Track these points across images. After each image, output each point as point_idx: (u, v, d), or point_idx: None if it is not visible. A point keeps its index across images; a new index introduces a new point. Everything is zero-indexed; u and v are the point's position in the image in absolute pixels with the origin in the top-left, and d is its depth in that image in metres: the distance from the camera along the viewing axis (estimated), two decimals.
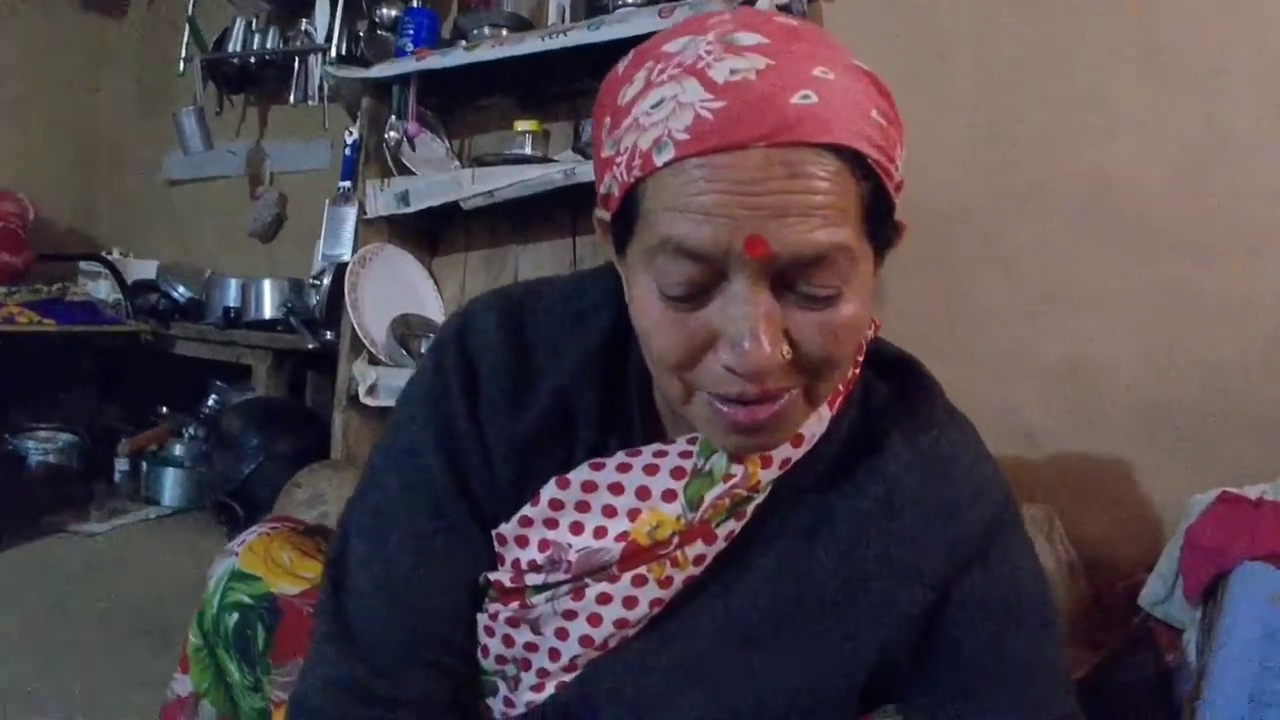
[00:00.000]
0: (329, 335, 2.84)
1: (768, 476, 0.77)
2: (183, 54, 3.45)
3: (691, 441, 0.78)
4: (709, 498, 0.76)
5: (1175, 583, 1.65)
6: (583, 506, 0.80)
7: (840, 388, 0.78)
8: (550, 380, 0.81)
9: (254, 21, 3.36)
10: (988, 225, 2.28)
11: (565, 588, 0.80)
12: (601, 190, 0.70)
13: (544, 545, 0.80)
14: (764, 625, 0.80)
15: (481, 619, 0.84)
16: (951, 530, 0.79)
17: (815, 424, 0.77)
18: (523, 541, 0.81)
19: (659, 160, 0.62)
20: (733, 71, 0.61)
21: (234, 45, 3.38)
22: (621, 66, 0.69)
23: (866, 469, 0.81)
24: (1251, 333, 2.03)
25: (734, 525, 0.78)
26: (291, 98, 3.22)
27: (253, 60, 3.37)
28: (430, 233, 2.85)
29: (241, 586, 0.98)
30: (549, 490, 0.80)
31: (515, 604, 0.82)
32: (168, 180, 3.90)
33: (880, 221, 0.67)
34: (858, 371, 0.81)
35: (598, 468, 0.79)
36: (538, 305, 0.85)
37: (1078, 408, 2.21)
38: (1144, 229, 2.12)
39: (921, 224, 2.38)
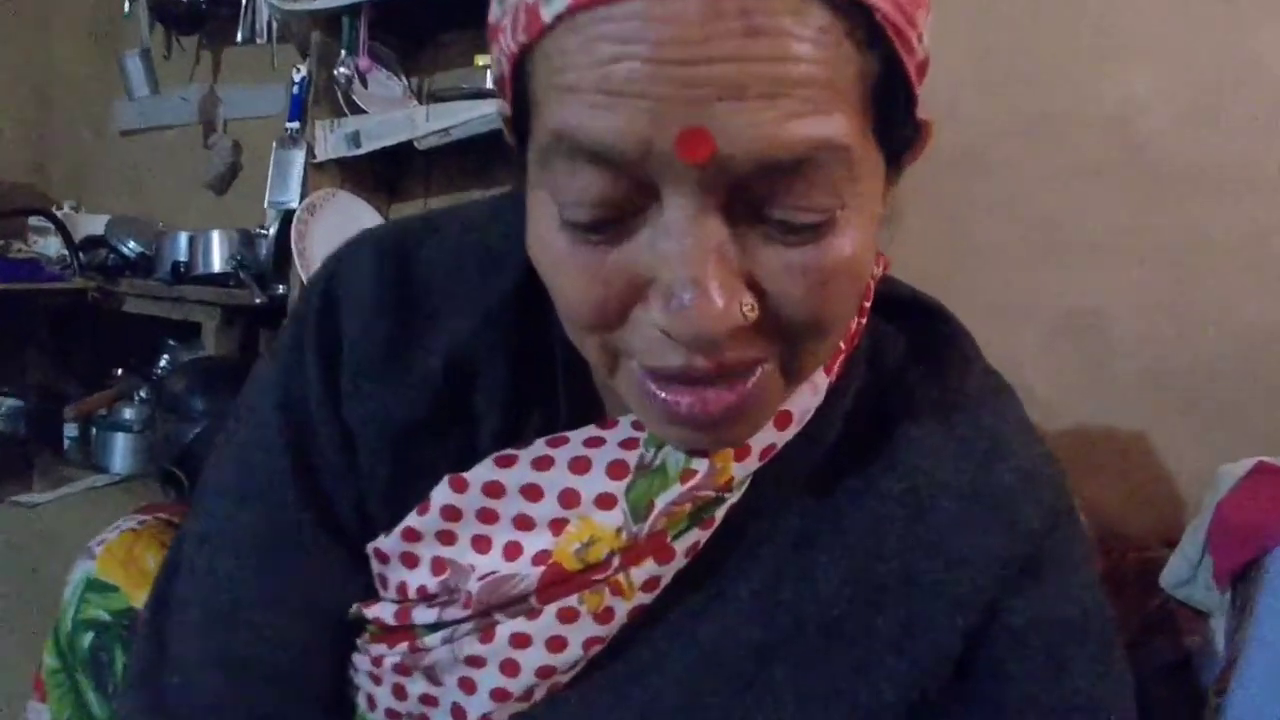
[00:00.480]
0: (280, 289, 2.65)
1: (743, 471, 0.57)
2: None
3: (639, 425, 0.58)
4: (661, 503, 0.56)
5: (1200, 563, 1.52)
6: (487, 516, 0.60)
7: (840, 345, 0.58)
8: (442, 340, 0.61)
9: None
10: (987, 163, 2.09)
11: (467, 626, 0.60)
12: (493, 75, 0.50)
13: (438, 566, 0.61)
14: (749, 664, 0.59)
15: (362, 662, 0.64)
16: (997, 535, 0.59)
17: (807, 396, 0.58)
18: (410, 560, 0.62)
19: (547, 13, 0.42)
20: None
21: None
22: None
23: (882, 455, 0.61)
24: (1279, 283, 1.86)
25: (698, 536, 0.58)
26: (239, 35, 3.01)
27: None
28: (387, 178, 2.67)
29: (98, 599, 0.80)
30: (441, 494, 0.60)
31: (403, 645, 0.62)
32: (120, 130, 3.71)
33: (894, 112, 0.47)
34: (864, 321, 0.61)
35: (506, 463, 0.59)
36: (432, 240, 0.64)
37: (1086, 364, 2.03)
38: (1162, 166, 1.93)
39: (916, 161, 2.18)
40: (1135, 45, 1.97)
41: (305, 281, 2.28)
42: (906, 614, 0.58)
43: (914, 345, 0.66)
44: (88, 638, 0.80)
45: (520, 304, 0.61)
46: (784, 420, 0.57)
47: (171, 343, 3.18)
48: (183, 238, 3.01)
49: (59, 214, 3.36)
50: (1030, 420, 0.66)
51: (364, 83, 2.40)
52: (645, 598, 0.59)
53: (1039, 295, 2.07)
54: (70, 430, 3.05)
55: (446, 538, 0.61)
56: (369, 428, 0.62)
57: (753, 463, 0.57)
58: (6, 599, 1.97)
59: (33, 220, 3.44)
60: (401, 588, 0.63)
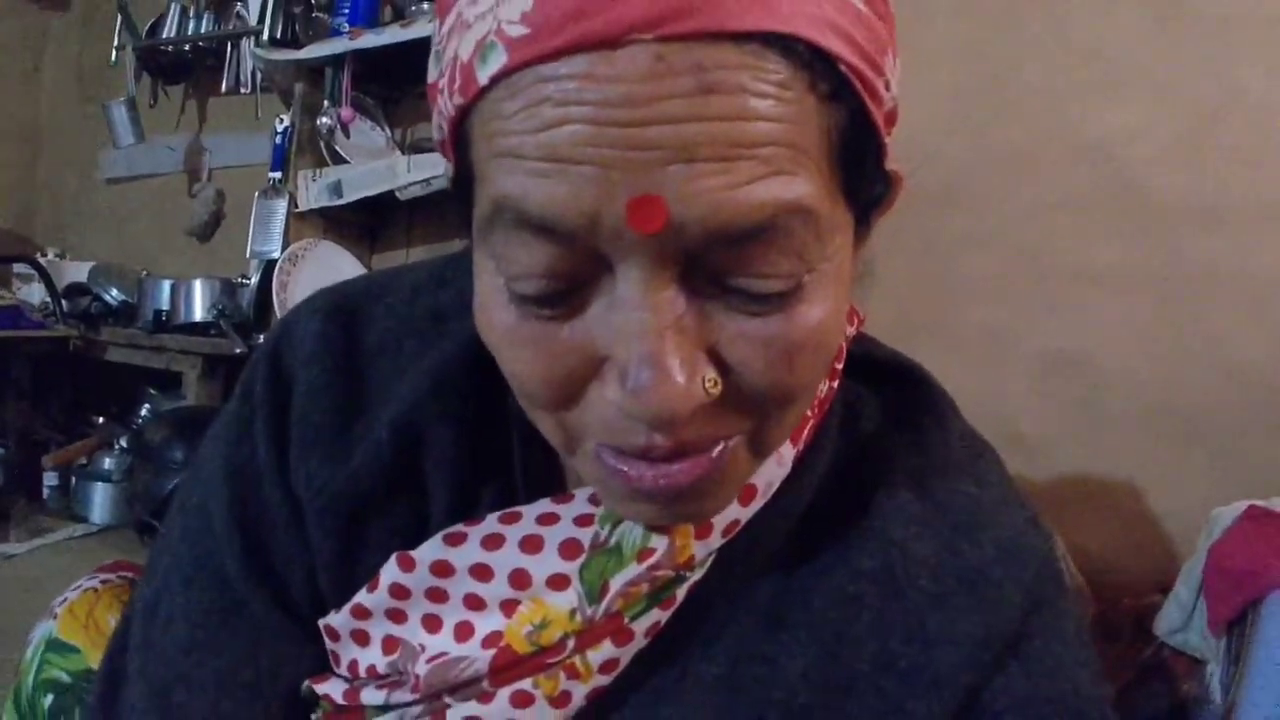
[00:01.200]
0: (260, 338, 2.65)
1: (705, 550, 0.54)
2: (115, 42, 3.27)
3: (595, 500, 0.55)
4: (616, 584, 0.53)
5: (1195, 609, 1.51)
6: (436, 595, 0.56)
7: (808, 412, 0.55)
8: (389, 408, 0.58)
9: (190, 8, 3.17)
10: (973, 196, 2.09)
11: (417, 709, 0.57)
12: (435, 135, 0.47)
13: (390, 644, 0.58)
14: None
15: None
16: (979, 614, 0.55)
17: (773, 468, 0.54)
18: (360, 638, 0.59)
19: (483, 74, 0.39)
20: None
21: (168, 32, 3.19)
22: None
23: (855, 528, 0.57)
24: (1270, 319, 1.85)
25: (659, 616, 0.54)
26: (224, 85, 3.03)
27: (188, 49, 3.18)
28: (369, 226, 2.69)
29: (58, 660, 0.79)
30: (390, 573, 0.56)
31: None
32: (106, 179, 3.73)
33: (863, 167, 0.44)
34: (835, 384, 0.58)
35: (456, 541, 0.55)
36: (380, 304, 0.62)
37: (1075, 403, 2.02)
38: (1150, 199, 1.94)
39: (903, 195, 2.20)
40: (1118, 79, 1.98)
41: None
42: (880, 702, 0.55)
43: (890, 410, 0.62)
44: (48, 699, 0.79)
45: (471, 370, 0.58)
46: (748, 495, 0.54)
47: (152, 391, 3.16)
48: (165, 286, 3.02)
49: (43, 261, 3.36)
50: (1012, 483, 0.62)
51: (346, 133, 2.42)
52: (604, 679, 0.56)
53: (1025, 331, 2.06)
54: (50, 479, 3.01)
55: (397, 616, 0.58)
56: (317, 501, 0.59)
57: (715, 540, 0.54)
58: None
59: (16, 268, 3.44)
60: (353, 665, 0.60)
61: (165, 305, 2.96)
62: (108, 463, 2.95)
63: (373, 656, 0.58)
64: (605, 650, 0.54)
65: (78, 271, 3.41)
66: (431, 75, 0.44)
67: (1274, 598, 1.35)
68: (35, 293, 3.35)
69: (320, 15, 2.65)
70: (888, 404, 0.61)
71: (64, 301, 3.14)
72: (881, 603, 0.55)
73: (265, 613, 0.61)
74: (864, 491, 0.57)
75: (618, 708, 0.57)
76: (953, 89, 2.11)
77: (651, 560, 0.53)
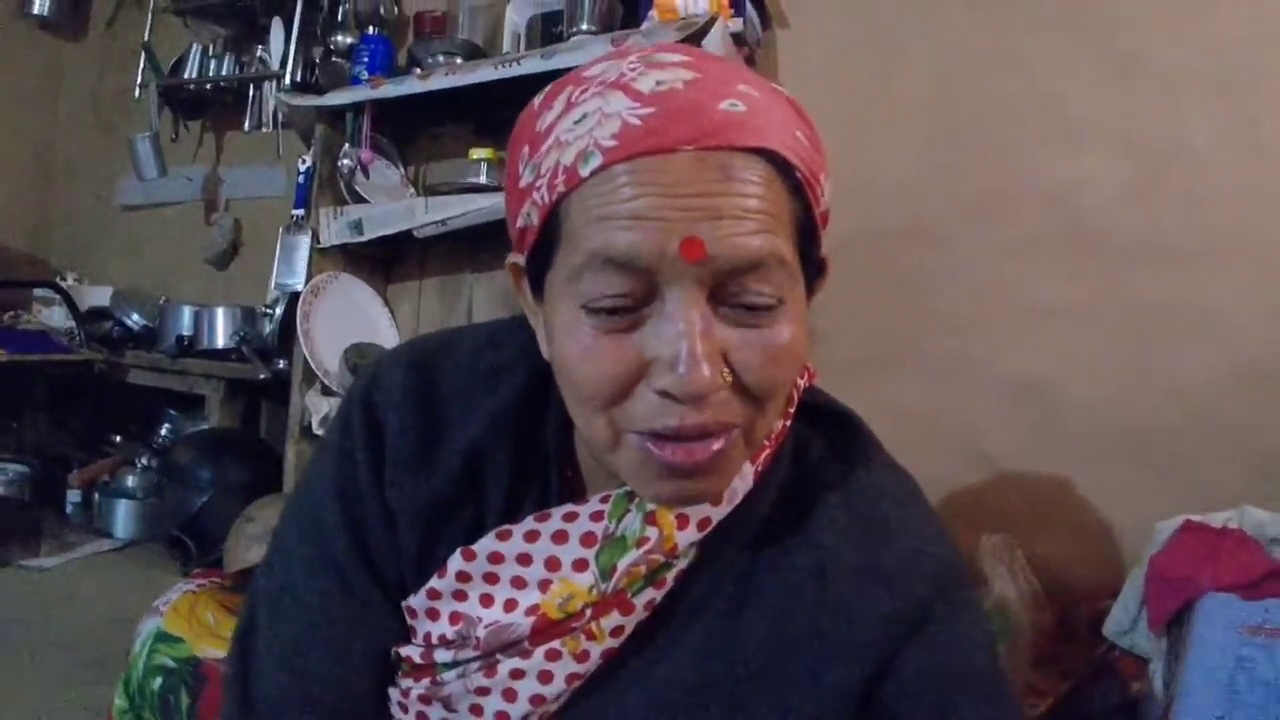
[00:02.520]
0: (282, 365, 2.80)
1: (685, 539, 0.71)
2: (139, 80, 3.41)
3: (604, 500, 0.74)
4: (622, 565, 0.72)
5: (1139, 613, 1.65)
6: (490, 578, 0.75)
7: (766, 442, 0.74)
8: (460, 440, 0.77)
9: (210, 48, 3.33)
10: (944, 235, 2.26)
11: (476, 664, 0.76)
12: (518, 225, 0.66)
13: (455, 618, 0.76)
14: (691, 700, 0.74)
15: (394, 694, 0.80)
16: (889, 602, 0.72)
17: (737, 481, 0.72)
18: (433, 615, 0.77)
19: (585, 170, 0.59)
20: (659, 83, 0.60)
21: (190, 71, 3.35)
22: (538, 99, 0.66)
23: (797, 535, 0.75)
24: (1217, 347, 2.02)
25: (654, 594, 0.73)
26: (246, 124, 3.19)
27: (208, 86, 3.34)
28: (385, 260, 2.83)
29: (166, 649, 0.95)
30: (455, 562, 0.75)
31: (426, 680, 0.78)
32: (123, 206, 3.85)
33: (810, 244, 0.65)
34: (787, 424, 0.77)
35: (504, 537, 0.75)
36: (448, 360, 0.81)
37: (1037, 427, 2.19)
38: (1105, 239, 2.11)
39: (876, 234, 2.38)
40: (1077, 129, 2.15)
41: (306, 357, 2.43)
42: (814, 665, 0.72)
43: (829, 445, 0.80)
44: (157, 682, 0.95)
45: (519, 413, 0.77)
46: (718, 500, 0.71)
47: (172, 412, 3.30)
48: (187, 312, 3.16)
49: (64, 285, 3.49)
50: (926, 502, 0.80)
51: (366, 173, 2.57)
52: (614, 643, 0.73)
53: (991, 360, 2.22)
54: (73, 496, 3.13)
55: (460, 596, 0.76)
56: (406, 508, 0.77)
57: (692, 533, 0.71)
58: (20, 659, 2.06)
59: (37, 291, 3.56)
60: (426, 637, 0.77)
61: (188, 330, 3.11)
62: (130, 480, 3.08)
63: (442, 628, 0.77)
64: (614, 619, 0.73)
65: (95, 296, 3.54)
66: (525, 180, 0.64)
67: (1206, 601, 1.49)
68: (55, 316, 3.47)
69: (339, 61, 2.80)
70: (828, 442, 0.80)
71: (85, 325, 3.27)
72: (816, 591, 0.74)
73: (368, 595, 0.79)
74: (805, 507, 0.77)
75: (623, 667, 0.76)
76: (925, 137, 2.28)
77: (647, 546, 0.71)
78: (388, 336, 2.72)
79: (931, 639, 0.73)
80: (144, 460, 3.14)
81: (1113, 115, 2.10)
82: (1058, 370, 2.16)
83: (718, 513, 0.73)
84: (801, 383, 0.79)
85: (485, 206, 2.33)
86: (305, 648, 0.78)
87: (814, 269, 0.67)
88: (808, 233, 0.64)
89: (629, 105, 0.59)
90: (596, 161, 0.59)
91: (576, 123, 0.60)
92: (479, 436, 0.77)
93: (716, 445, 0.62)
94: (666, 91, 0.59)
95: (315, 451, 0.85)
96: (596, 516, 0.73)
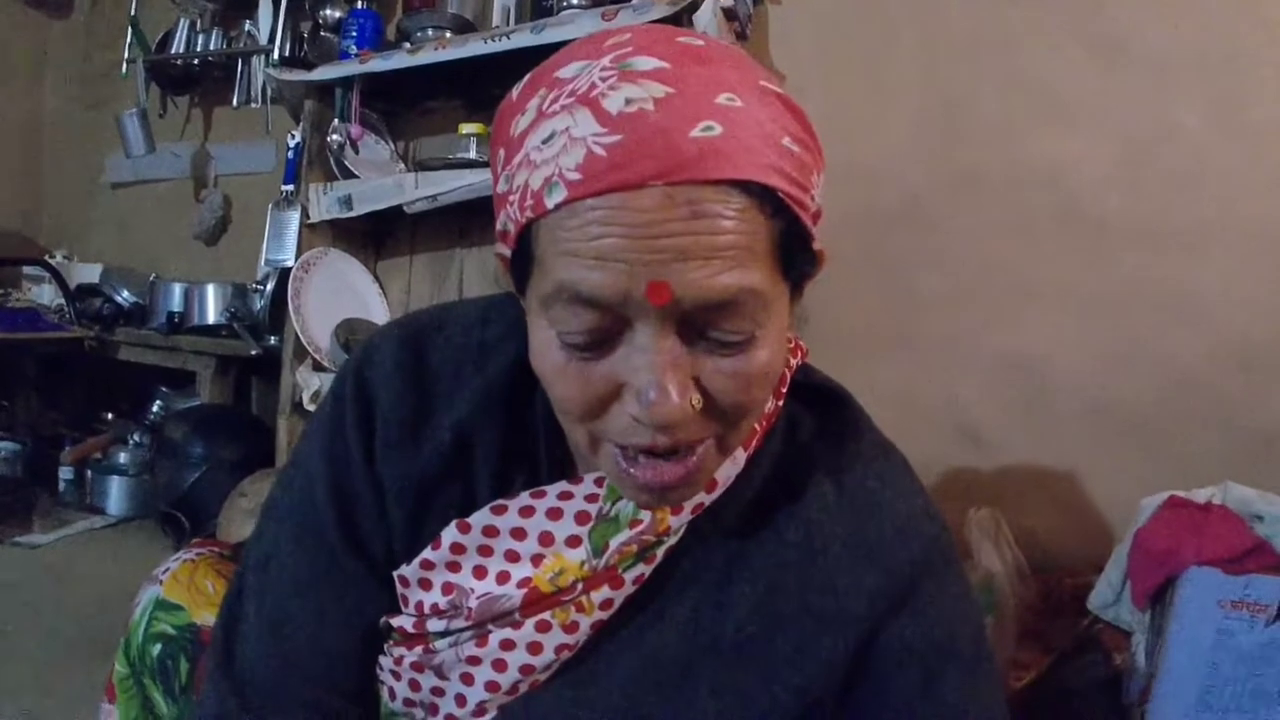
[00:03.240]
0: (273, 340, 2.80)
1: (678, 522, 0.74)
2: (126, 55, 3.38)
3: (599, 483, 0.75)
4: (614, 544, 0.74)
5: (1123, 587, 1.67)
6: (485, 551, 0.77)
7: (757, 425, 0.75)
8: (450, 416, 0.78)
9: (197, 22, 3.29)
10: (934, 214, 2.27)
11: (468, 633, 0.77)
12: (498, 227, 0.66)
13: (447, 588, 0.78)
14: (677, 670, 0.76)
15: (386, 662, 0.82)
16: (875, 575, 0.75)
17: (729, 466, 0.74)
18: (425, 584, 0.79)
19: (550, 202, 0.57)
20: (628, 101, 0.56)
21: (177, 46, 3.31)
22: (516, 91, 0.64)
23: (785, 512, 0.77)
24: (1202, 326, 2.03)
25: (643, 569, 0.75)
26: (234, 100, 3.17)
27: (196, 62, 3.31)
28: (375, 235, 2.82)
29: (165, 616, 0.96)
30: (450, 534, 0.77)
31: (419, 648, 0.79)
32: (111, 183, 3.83)
33: (795, 256, 0.63)
34: (780, 404, 0.78)
35: (499, 511, 0.76)
36: (439, 336, 0.82)
37: (1025, 405, 2.21)
38: (1092, 220, 2.12)
39: (865, 213, 2.38)
40: (1065, 111, 2.15)
41: (298, 333, 2.43)
42: (801, 636, 0.74)
43: (821, 423, 0.81)
44: (156, 648, 0.96)
45: (509, 389, 0.78)
46: (710, 485, 0.73)
47: (164, 389, 3.29)
48: (177, 289, 3.15)
49: (53, 263, 3.48)
50: (915, 478, 0.82)
51: (355, 149, 2.56)
52: (603, 615, 0.75)
53: (979, 340, 2.24)
54: (66, 473, 3.13)
55: (453, 567, 0.77)
56: (395, 482, 0.79)
57: (685, 516, 0.73)
58: (14, 635, 2.07)
59: (25, 269, 3.54)
60: (419, 605, 0.79)
61: (178, 307, 3.10)
62: (122, 457, 3.08)
63: (435, 597, 0.78)
64: (604, 592, 0.75)
65: (85, 273, 3.53)
66: (501, 188, 0.64)
67: (1188, 575, 1.50)
68: (45, 294, 3.46)
69: (328, 35, 2.79)
70: (819, 420, 0.82)
71: (75, 303, 3.26)
72: (804, 565, 0.76)
73: (354, 566, 0.81)
74: (795, 485, 0.78)
75: (612, 638, 0.78)
76: (914, 118, 2.29)
77: (640, 528, 0.74)
78: (378, 312, 2.72)
79: (917, 612, 0.75)
80: (136, 437, 3.15)
81: (1101, 97, 2.11)
82: (1045, 349, 2.17)
83: (709, 497, 0.74)
84: (794, 361, 0.80)
85: (475, 182, 2.32)
86: (289, 614, 0.80)
87: (806, 267, 0.67)
88: (792, 245, 0.62)
89: (595, 131, 0.56)
90: (560, 195, 0.57)
91: (545, 142, 0.58)
92: (469, 413, 0.78)
93: (688, 463, 0.64)
94: (635, 114, 0.56)
95: (308, 425, 0.86)
96: (592, 498, 0.75)
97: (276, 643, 0.79)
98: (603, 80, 0.58)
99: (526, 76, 0.64)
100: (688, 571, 0.77)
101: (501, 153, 0.64)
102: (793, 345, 0.80)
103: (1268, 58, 1.97)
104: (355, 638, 0.81)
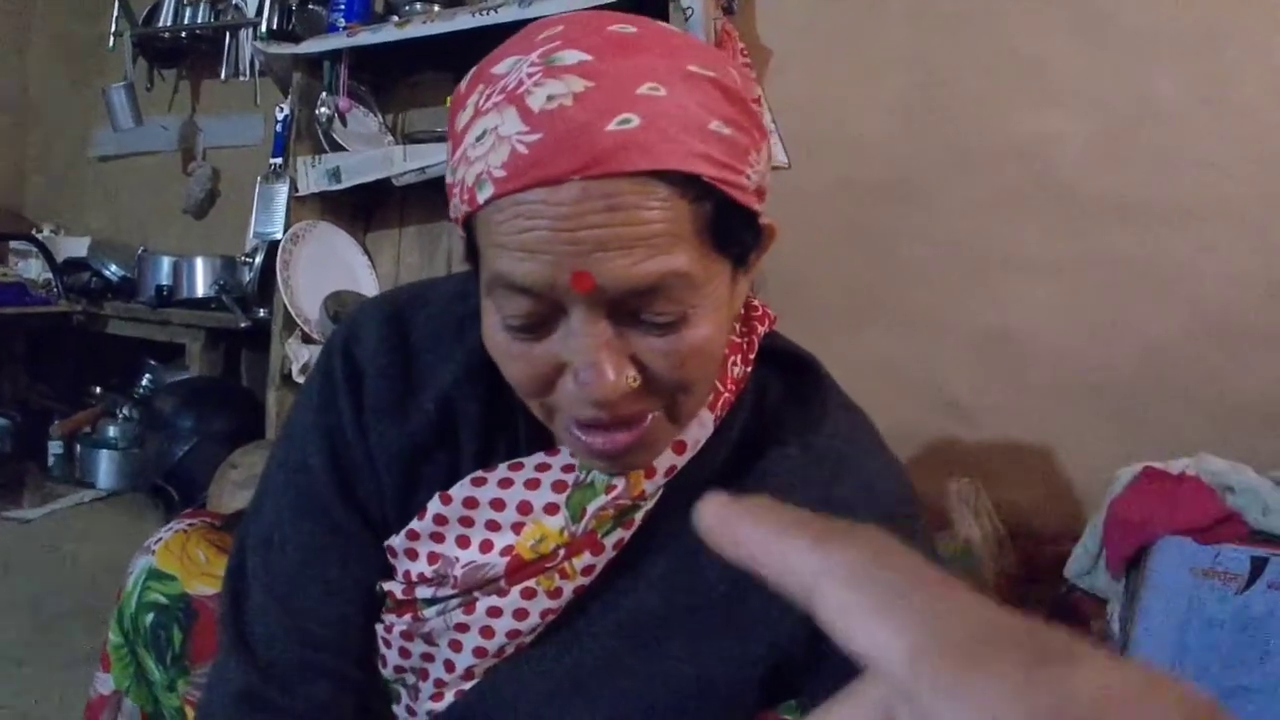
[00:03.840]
0: (262, 313, 2.81)
1: (652, 486, 0.76)
2: (112, 29, 3.37)
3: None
4: (591, 509, 0.76)
5: (1099, 555, 1.70)
6: (466, 521, 0.79)
7: (727, 388, 0.77)
8: (434, 389, 0.81)
9: None
10: (918, 189, 2.29)
11: (455, 601, 0.80)
12: (451, 214, 0.69)
13: (433, 558, 0.80)
14: (656, 629, 0.79)
15: (378, 630, 0.84)
16: None
17: (697, 429, 0.76)
18: (412, 554, 0.81)
19: (481, 198, 0.61)
20: (549, 98, 0.58)
21: (164, 19, 3.31)
22: (464, 84, 0.66)
23: (756, 474, 0.80)
24: (1181, 302, 2.06)
25: (622, 534, 0.78)
26: (223, 73, 3.16)
27: (184, 35, 3.30)
28: (364, 207, 2.83)
29: (158, 586, 0.97)
30: (433, 506, 0.79)
31: (408, 616, 0.82)
32: (98, 156, 3.82)
33: (730, 235, 0.65)
34: (749, 369, 0.80)
35: (479, 483, 0.79)
36: (421, 312, 0.84)
37: (1006, 376, 2.24)
38: (1074, 196, 2.14)
39: (850, 186, 2.40)
40: (1047, 87, 2.17)
41: (286, 305, 2.44)
42: (773, 595, 0.77)
43: (788, 388, 0.84)
44: (149, 617, 0.97)
45: (489, 362, 0.80)
46: (680, 448, 0.76)
47: (153, 362, 3.31)
48: (165, 262, 3.15)
49: (40, 237, 3.47)
50: (881, 440, 0.85)
51: (344, 121, 2.56)
52: (585, 580, 0.78)
53: (961, 312, 2.27)
54: (55, 447, 3.14)
55: (437, 538, 0.80)
56: (384, 451, 0.81)
57: (659, 479, 0.76)
58: (4, 608, 2.08)
59: (13, 244, 3.52)
60: (406, 575, 0.81)
61: (167, 281, 3.11)
62: (112, 431, 3.10)
63: (421, 566, 0.81)
64: (585, 558, 0.77)
65: (72, 247, 3.51)
66: (449, 178, 0.66)
67: (1162, 544, 1.55)
68: (32, 268, 3.43)
69: (315, 8, 2.78)
70: (787, 385, 0.84)
71: (63, 277, 3.25)
72: None
73: (355, 532, 0.83)
74: (765, 447, 0.81)
75: (594, 602, 0.80)
76: (900, 93, 2.30)
77: (615, 493, 0.76)
78: (367, 284, 2.73)
79: None
80: (125, 410, 3.16)
81: (1083, 74, 2.13)
82: (1026, 322, 2.20)
83: (681, 459, 0.77)
84: (761, 329, 0.82)
85: None
86: (297, 585, 0.82)
87: (748, 242, 0.68)
88: (725, 225, 0.64)
89: (519, 130, 0.58)
90: (489, 192, 0.60)
91: (478, 140, 0.61)
92: (451, 385, 0.81)
93: (636, 431, 0.67)
94: (555, 111, 0.58)
95: (296, 401, 0.88)
96: (568, 468, 0.78)
97: (288, 615, 0.82)
98: (529, 77, 0.60)
99: (473, 70, 0.66)
100: (665, 535, 0.79)
101: (451, 144, 0.67)
102: (760, 313, 0.82)
103: (1247, 35, 2.00)
104: (361, 603, 0.84)
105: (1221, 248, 2.02)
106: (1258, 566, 1.49)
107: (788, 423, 0.82)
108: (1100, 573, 1.72)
